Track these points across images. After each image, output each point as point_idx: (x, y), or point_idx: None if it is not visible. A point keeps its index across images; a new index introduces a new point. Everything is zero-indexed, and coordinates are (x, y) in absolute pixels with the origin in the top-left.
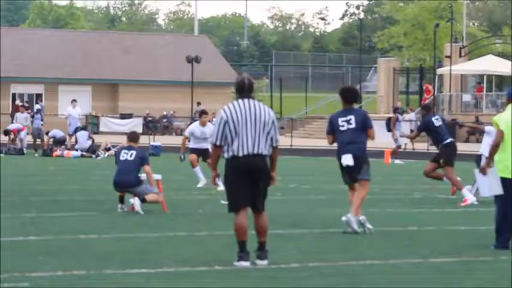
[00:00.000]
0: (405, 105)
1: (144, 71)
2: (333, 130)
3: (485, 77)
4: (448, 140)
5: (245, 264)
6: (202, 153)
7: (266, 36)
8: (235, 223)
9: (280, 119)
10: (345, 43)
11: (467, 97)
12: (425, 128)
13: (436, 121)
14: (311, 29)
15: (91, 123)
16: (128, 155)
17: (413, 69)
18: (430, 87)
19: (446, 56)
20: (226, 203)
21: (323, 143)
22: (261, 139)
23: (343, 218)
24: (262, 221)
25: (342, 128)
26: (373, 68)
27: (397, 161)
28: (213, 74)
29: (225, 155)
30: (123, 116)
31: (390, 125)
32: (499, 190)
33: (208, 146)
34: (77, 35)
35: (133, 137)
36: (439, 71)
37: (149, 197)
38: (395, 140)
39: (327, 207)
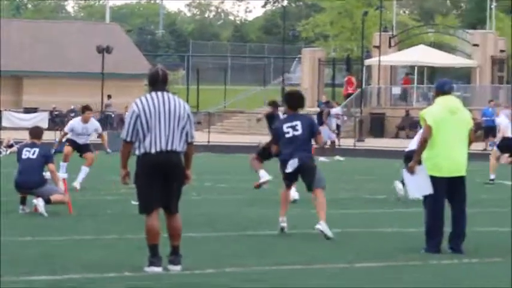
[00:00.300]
0: (331, 98)
1: (51, 62)
2: (278, 139)
3: (416, 68)
4: None
5: (157, 269)
6: (79, 148)
7: (183, 25)
8: (146, 225)
9: (197, 113)
10: (267, 32)
11: (396, 90)
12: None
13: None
14: (231, 17)
15: None
16: (30, 153)
17: (340, 60)
18: (353, 79)
19: (375, 46)
20: (137, 203)
21: (242, 139)
22: (175, 135)
23: (319, 227)
24: (176, 223)
25: (287, 135)
26: (296, 59)
27: (338, 157)
28: (126, 65)
29: (136, 152)
30: (27, 111)
31: (322, 118)
32: (428, 190)
33: (87, 141)
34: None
35: (36, 132)
36: (367, 62)
37: (54, 198)
38: (332, 135)
39: (244, 208)
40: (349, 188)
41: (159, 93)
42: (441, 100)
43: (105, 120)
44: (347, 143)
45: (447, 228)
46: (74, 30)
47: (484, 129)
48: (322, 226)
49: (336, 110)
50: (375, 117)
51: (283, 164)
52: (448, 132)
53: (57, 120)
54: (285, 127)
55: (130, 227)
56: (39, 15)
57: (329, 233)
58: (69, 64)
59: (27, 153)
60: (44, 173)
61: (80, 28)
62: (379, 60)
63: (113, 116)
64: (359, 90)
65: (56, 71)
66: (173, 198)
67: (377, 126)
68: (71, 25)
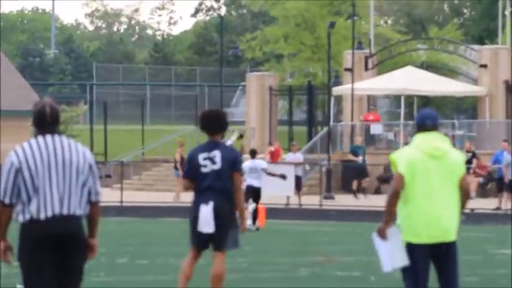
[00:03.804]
0: (288, 140)
1: None
2: (192, 172)
3: (402, 98)
4: None
5: None
6: None
7: (83, 43)
8: None
9: (105, 163)
10: (198, 51)
11: (377, 128)
12: None
13: None
14: (149, 31)
15: None
16: None
17: (299, 88)
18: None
19: (347, 69)
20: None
21: (167, 197)
22: (72, 193)
23: None
24: None
25: (204, 170)
26: (240, 88)
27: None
28: (5, 98)
29: (20, 218)
30: None
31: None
32: (403, 260)
33: None
34: None
35: None
36: (335, 90)
37: None
38: None
39: None
40: (312, 263)
41: (48, 137)
42: (419, 139)
43: None
44: (310, 201)
45: None
46: None
47: (497, 181)
48: None
49: (295, 156)
50: (347, 165)
51: (195, 210)
52: (428, 182)
53: None
54: (202, 158)
55: None
56: None
57: None
58: None
59: None
60: None
61: None
62: (352, 89)
63: None
64: (325, 129)
65: None
66: (72, 280)
67: (350, 178)
68: None
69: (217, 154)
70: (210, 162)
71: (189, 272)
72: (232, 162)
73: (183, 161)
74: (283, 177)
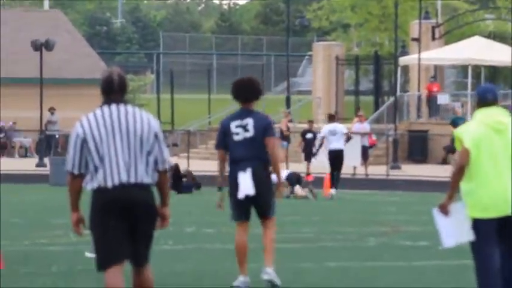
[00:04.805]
0: (354, 110)
1: None
2: (224, 140)
3: (470, 68)
4: None
5: None
6: None
7: (150, 12)
8: (106, 285)
9: (172, 131)
10: (265, 21)
11: (443, 98)
12: None
13: None
14: (215, 1)
15: None
16: None
17: (366, 57)
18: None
19: (413, 39)
20: (94, 256)
21: None
22: (138, 161)
23: (265, 277)
24: (145, 281)
25: (236, 138)
26: (306, 57)
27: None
28: (72, 67)
29: (88, 187)
30: None
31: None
32: (467, 236)
33: None
34: None
35: None
36: (402, 60)
37: None
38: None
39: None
40: (380, 233)
41: (113, 106)
42: (482, 114)
43: (47, 143)
44: (377, 170)
45: None
46: None
47: None
48: (269, 273)
49: (362, 126)
50: (414, 135)
51: (232, 179)
52: (494, 157)
53: None
54: (234, 126)
55: None
56: None
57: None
58: None
59: None
60: None
61: (8, 17)
62: (419, 58)
63: (57, 136)
64: (392, 99)
65: None
66: (141, 246)
67: (417, 148)
68: None
69: (249, 122)
70: (243, 130)
71: (244, 247)
72: (264, 129)
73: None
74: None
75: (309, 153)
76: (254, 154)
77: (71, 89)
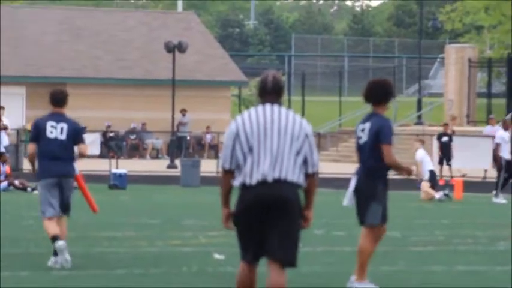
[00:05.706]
0: (486, 112)
1: (102, 65)
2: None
3: None
4: None
5: None
6: None
7: (282, 14)
8: (237, 274)
9: None
10: (397, 23)
11: None
12: None
13: None
14: (348, 3)
15: (24, 141)
16: None
17: (499, 60)
18: None
19: None
20: (220, 257)
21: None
22: (284, 158)
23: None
24: (277, 279)
25: (360, 141)
26: (438, 60)
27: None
28: (204, 68)
29: (235, 183)
30: None
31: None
32: None
33: None
34: (4, 11)
35: None
36: None
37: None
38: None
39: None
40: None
41: (268, 106)
42: None
43: (178, 144)
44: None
45: None
46: (133, 22)
47: None
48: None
49: (491, 130)
50: None
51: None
52: None
53: (112, 144)
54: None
55: None
56: (85, 2)
57: None
58: (128, 67)
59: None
60: None
61: (142, 19)
62: None
63: (188, 138)
64: None
65: (108, 76)
66: (281, 243)
67: None
68: (129, 16)
69: (367, 126)
70: (362, 134)
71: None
72: (376, 134)
73: None
74: None
75: (444, 157)
76: (363, 159)
77: (203, 91)
